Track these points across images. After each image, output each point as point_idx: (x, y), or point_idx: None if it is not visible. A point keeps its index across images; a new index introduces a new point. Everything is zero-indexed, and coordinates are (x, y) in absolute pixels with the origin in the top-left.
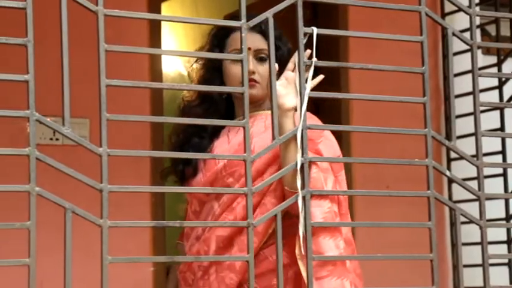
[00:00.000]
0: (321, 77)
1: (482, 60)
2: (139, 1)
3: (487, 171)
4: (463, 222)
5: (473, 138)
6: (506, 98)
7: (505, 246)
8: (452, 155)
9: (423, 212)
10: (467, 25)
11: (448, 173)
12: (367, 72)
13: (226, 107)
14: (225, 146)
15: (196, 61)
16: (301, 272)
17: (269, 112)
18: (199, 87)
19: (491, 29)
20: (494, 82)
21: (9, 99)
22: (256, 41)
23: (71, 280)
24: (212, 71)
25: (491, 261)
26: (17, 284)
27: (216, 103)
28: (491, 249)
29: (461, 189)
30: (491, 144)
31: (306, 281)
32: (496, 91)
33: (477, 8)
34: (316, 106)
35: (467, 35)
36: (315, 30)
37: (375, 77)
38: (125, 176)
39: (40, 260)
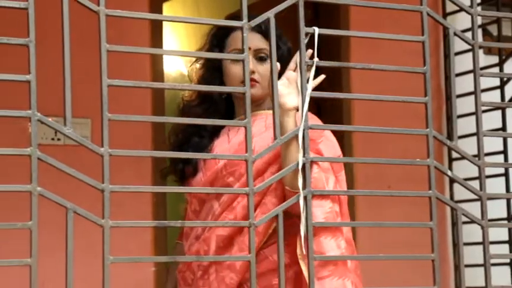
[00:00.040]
0: (322, 76)
1: (484, 60)
2: (141, 1)
3: (488, 171)
4: (464, 222)
5: (474, 138)
6: (507, 97)
7: (506, 246)
8: (454, 154)
9: (425, 212)
10: (469, 25)
11: (449, 173)
12: (369, 72)
13: (226, 107)
14: (225, 145)
15: (195, 61)
16: (303, 272)
17: (269, 112)
18: (200, 87)
19: (493, 29)
20: (496, 82)
21: (10, 99)
22: (256, 41)
23: (72, 280)
24: (212, 71)
25: (492, 261)
26: (18, 284)
27: (216, 103)
28: (493, 249)
29: (462, 189)
30: (492, 144)
31: (307, 281)
32: (498, 91)
33: (479, 8)
34: (317, 106)
35: (468, 34)
36: (317, 30)
37: (376, 77)
38: (127, 176)
39: (41, 260)
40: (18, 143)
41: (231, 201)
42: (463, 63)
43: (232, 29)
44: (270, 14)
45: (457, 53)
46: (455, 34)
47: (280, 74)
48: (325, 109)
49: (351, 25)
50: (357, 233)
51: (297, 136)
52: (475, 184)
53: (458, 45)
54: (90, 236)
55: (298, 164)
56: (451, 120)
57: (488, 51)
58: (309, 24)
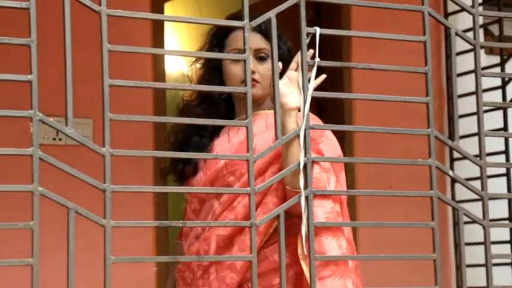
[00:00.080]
0: (323, 76)
1: (485, 60)
2: (143, 1)
3: (490, 171)
4: (466, 222)
5: (476, 138)
6: (509, 97)
7: (508, 246)
8: (456, 154)
9: (426, 212)
10: (471, 25)
11: (451, 172)
12: (370, 72)
13: (226, 106)
14: (226, 144)
15: (195, 61)
16: (304, 272)
17: (269, 111)
18: (202, 87)
19: (495, 29)
20: (498, 82)
21: (11, 99)
22: (256, 40)
23: (74, 280)
24: (212, 71)
25: (494, 261)
26: (19, 284)
27: (216, 103)
28: (494, 249)
29: (464, 189)
30: (494, 144)
31: (308, 281)
32: (499, 91)
33: (480, 8)
34: (319, 106)
35: (470, 34)
36: (318, 30)
37: (377, 77)
38: (128, 176)
39: (43, 260)
40: (19, 143)
41: (231, 201)
42: (464, 63)
43: (231, 29)
44: (272, 14)
45: (458, 53)
46: (456, 34)
47: (281, 74)
48: (326, 109)
49: (352, 25)
50: (358, 233)
51: (298, 136)
52: (477, 184)
53: (459, 45)
54: (92, 236)
55: (299, 163)
56: (453, 120)
57: (490, 51)
58: (310, 24)
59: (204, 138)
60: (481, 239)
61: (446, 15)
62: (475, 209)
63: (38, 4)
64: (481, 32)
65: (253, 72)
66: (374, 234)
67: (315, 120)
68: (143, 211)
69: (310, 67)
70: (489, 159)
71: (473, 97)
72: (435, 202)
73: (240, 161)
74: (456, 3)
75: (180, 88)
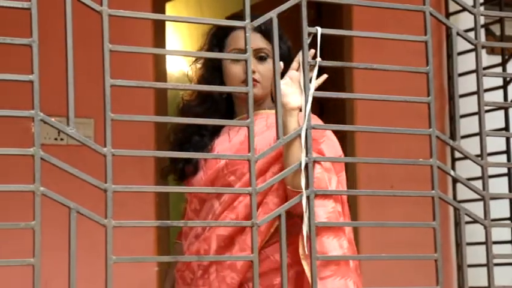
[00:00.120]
0: (324, 76)
1: (487, 59)
2: (144, 1)
3: (491, 170)
4: (467, 222)
5: (477, 137)
6: (510, 97)
7: (509, 246)
8: (457, 154)
9: (427, 212)
10: (472, 25)
11: (452, 172)
12: (372, 72)
13: (226, 106)
14: (226, 144)
15: (195, 61)
16: (306, 271)
17: (270, 111)
18: (203, 87)
19: (496, 29)
20: (499, 82)
21: (13, 99)
22: (256, 40)
23: (75, 280)
24: (212, 71)
25: (495, 261)
26: (20, 284)
27: (216, 102)
28: (496, 249)
29: (465, 189)
30: (495, 143)
31: (309, 281)
32: (501, 91)
33: (482, 8)
34: (320, 106)
35: (471, 34)
36: (319, 30)
37: (379, 77)
38: (130, 176)
39: (44, 259)
40: (21, 143)
41: (232, 201)
42: (465, 63)
43: (231, 29)
44: (273, 14)
45: (459, 53)
46: (458, 34)
47: (282, 74)
48: (327, 109)
49: (353, 25)
50: (359, 233)
51: (299, 136)
52: (478, 184)
53: (461, 45)
54: (93, 235)
55: (300, 163)
56: (454, 120)
57: (491, 51)
58: (311, 24)
59: (205, 137)
60: (483, 239)
61: (448, 15)
62: (477, 208)
63: (40, 4)
64: (482, 31)
65: (253, 72)
66: (375, 234)
67: (316, 121)
68: (144, 211)
69: (312, 67)
70: (490, 159)
71: (475, 97)
72: (436, 202)
73: (240, 160)
74: (457, 3)
75: (181, 88)
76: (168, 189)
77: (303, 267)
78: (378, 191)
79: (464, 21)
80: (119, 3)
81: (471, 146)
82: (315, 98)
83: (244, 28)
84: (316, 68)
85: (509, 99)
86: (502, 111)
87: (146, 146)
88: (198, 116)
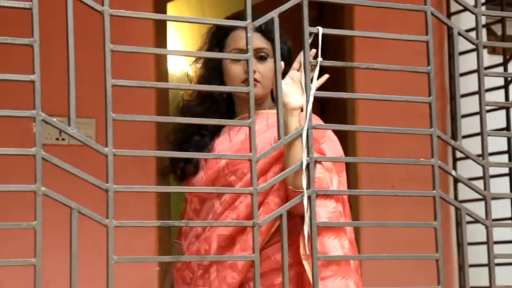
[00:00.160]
0: (326, 76)
1: (488, 59)
2: (145, 1)
3: (492, 170)
4: (468, 222)
5: (479, 137)
6: None
7: (511, 245)
8: (458, 154)
9: (429, 212)
10: (473, 25)
11: (453, 172)
12: (373, 72)
13: (227, 106)
14: (227, 144)
15: (195, 61)
16: (307, 271)
17: (270, 111)
18: (204, 87)
19: (497, 29)
20: (500, 82)
21: (14, 100)
22: (256, 40)
23: (76, 280)
24: (212, 71)
25: (497, 261)
26: (22, 284)
27: (216, 102)
28: (497, 249)
29: (467, 188)
30: (497, 143)
31: (311, 281)
32: (502, 90)
33: (483, 8)
34: (321, 106)
35: (473, 34)
36: (321, 30)
37: (380, 76)
38: (131, 175)
39: (46, 259)
40: (22, 143)
41: (232, 201)
42: (467, 62)
43: (231, 29)
44: (274, 14)
45: (461, 53)
46: (459, 34)
47: (282, 74)
48: (329, 109)
49: (355, 25)
50: (360, 232)
51: (300, 136)
52: (479, 184)
53: (462, 44)
54: (95, 235)
55: (301, 163)
56: (455, 120)
57: (493, 50)
58: (313, 24)
59: (205, 137)
60: (484, 239)
61: (449, 15)
62: (478, 208)
63: (41, 4)
64: (483, 31)
65: (253, 71)
66: (377, 233)
67: (316, 121)
68: (146, 211)
69: (313, 67)
70: (492, 159)
71: (476, 97)
72: (438, 202)
73: (241, 160)
74: (459, 3)
75: (183, 88)
76: (169, 189)
77: (303, 267)
78: (379, 190)
79: (465, 21)
80: (120, 3)
81: (472, 146)
82: (316, 98)
83: (245, 28)
84: (318, 68)
85: (510, 99)
86: (504, 111)
87: (147, 146)
88: (198, 116)
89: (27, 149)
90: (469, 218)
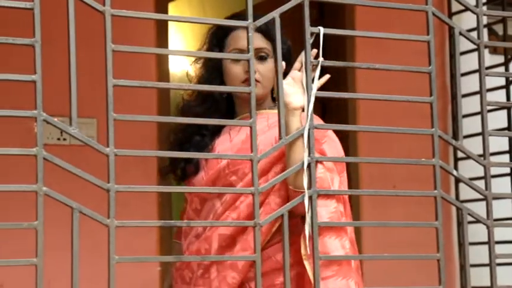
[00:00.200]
0: (327, 76)
1: (489, 59)
2: (147, 1)
3: (494, 170)
4: (470, 222)
5: (480, 137)
6: None
7: None
8: (460, 154)
9: (430, 212)
10: (475, 24)
11: (455, 172)
12: (374, 72)
13: (227, 106)
14: (227, 144)
15: (195, 61)
16: (308, 271)
17: (270, 111)
18: (206, 87)
19: (499, 29)
20: (502, 81)
21: (15, 100)
22: (256, 40)
23: (78, 279)
24: (212, 71)
25: (498, 260)
26: (23, 283)
27: (217, 102)
28: (499, 249)
29: (468, 188)
30: (498, 143)
31: (312, 281)
32: (503, 90)
33: (484, 8)
34: (322, 106)
35: (474, 34)
36: (322, 30)
37: (381, 76)
38: (133, 175)
39: (47, 259)
40: (24, 143)
41: (233, 201)
42: (468, 62)
43: (231, 29)
44: (275, 14)
45: (462, 53)
46: (460, 34)
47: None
48: (330, 109)
49: (356, 25)
50: (361, 232)
51: (302, 136)
52: (481, 184)
53: (463, 44)
54: (96, 235)
55: (303, 163)
56: (457, 120)
57: (494, 50)
58: (314, 24)
59: (205, 137)
60: (485, 239)
61: (450, 14)
62: (479, 208)
63: (42, 4)
64: (485, 31)
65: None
66: (378, 233)
67: (317, 121)
68: (147, 211)
69: (314, 67)
70: (493, 158)
71: (477, 97)
72: (439, 202)
73: (242, 160)
74: (460, 3)
75: (184, 88)
76: (170, 189)
77: (304, 267)
78: (380, 190)
79: (466, 20)
80: (122, 3)
81: (474, 146)
82: (317, 98)
83: (246, 28)
84: (319, 68)
85: (511, 99)
86: (505, 111)
87: (149, 146)
88: (198, 116)
89: (28, 149)
90: (470, 218)
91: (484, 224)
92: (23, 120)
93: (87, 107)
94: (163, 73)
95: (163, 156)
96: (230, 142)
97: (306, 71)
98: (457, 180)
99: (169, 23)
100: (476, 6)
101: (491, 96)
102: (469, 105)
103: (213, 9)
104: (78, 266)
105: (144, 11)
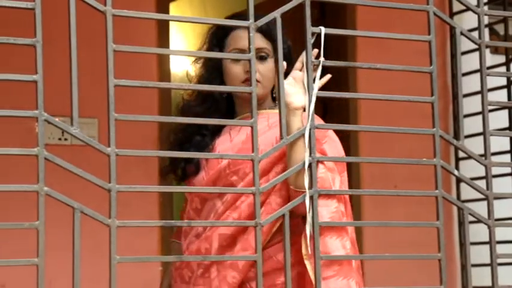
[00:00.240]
0: (328, 76)
1: (491, 59)
2: (148, 1)
3: (495, 170)
4: (471, 222)
5: (481, 137)
6: None
7: None
8: (461, 154)
9: (431, 212)
10: (476, 24)
11: (456, 172)
12: (375, 72)
13: (227, 105)
14: (227, 144)
15: (195, 61)
16: (308, 271)
17: (270, 111)
18: (206, 87)
19: (500, 28)
20: (503, 81)
21: (17, 100)
22: (256, 40)
23: (79, 279)
24: (212, 70)
25: (499, 260)
26: (24, 283)
27: (217, 102)
28: (500, 249)
29: (469, 188)
30: (499, 143)
31: (313, 281)
32: (504, 90)
33: (485, 7)
34: (324, 106)
35: (475, 34)
36: (323, 30)
37: (382, 76)
38: (134, 175)
39: (48, 259)
40: (25, 143)
41: (234, 200)
42: (469, 62)
43: (231, 29)
44: (276, 14)
45: (463, 53)
46: (462, 33)
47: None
48: (331, 109)
49: (357, 25)
50: (363, 232)
51: (303, 135)
52: (482, 183)
53: (465, 44)
54: (97, 235)
55: (304, 163)
56: (458, 120)
57: (495, 50)
58: (315, 23)
59: (206, 137)
60: (486, 239)
61: (452, 14)
62: (480, 208)
63: (44, 4)
64: (486, 31)
65: None
66: (379, 233)
67: (318, 121)
68: (148, 211)
69: (315, 67)
70: (494, 158)
71: (479, 96)
72: (440, 202)
73: (243, 160)
74: (461, 3)
75: (185, 88)
76: (171, 189)
77: (304, 267)
78: (381, 190)
79: (468, 20)
80: (123, 3)
81: (475, 146)
82: (318, 98)
83: (247, 28)
84: (320, 68)
85: None
86: (506, 111)
87: (150, 146)
88: (198, 116)
89: (29, 149)
90: (471, 218)
91: (485, 223)
92: (24, 120)
93: (89, 107)
94: (164, 73)
95: (165, 156)
96: (230, 142)
97: (307, 71)
98: (458, 180)
99: (171, 23)
100: (478, 6)
101: (492, 96)
102: (470, 105)
103: (214, 9)
104: (79, 266)
105: (145, 11)
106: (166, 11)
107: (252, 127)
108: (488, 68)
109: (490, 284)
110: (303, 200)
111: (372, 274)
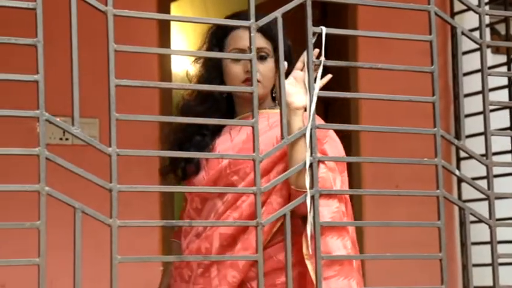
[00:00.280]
0: (329, 76)
1: (492, 59)
2: (149, 1)
3: (496, 170)
4: (472, 222)
5: (482, 137)
6: None
7: None
8: (462, 154)
9: (432, 212)
10: (477, 24)
11: (457, 172)
12: (376, 72)
13: (227, 105)
14: (228, 143)
15: (195, 60)
16: (309, 271)
17: (271, 111)
18: (207, 87)
19: (501, 28)
20: (504, 81)
21: (18, 100)
22: (256, 40)
23: (80, 279)
24: (212, 70)
25: (500, 260)
26: (24, 283)
27: (217, 102)
28: (501, 249)
29: (470, 188)
30: (500, 143)
31: (313, 281)
32: (506, 90)
33: (486, 7)
34: (325, 106)
35: (476, 34)
36: (324, 30)
37: (384, 76)
38: (135, 175)
39: (49, 259)
40: (26, 142)
41: (235, 200)
42: (470, 62)
43: (231, 29)
44: (278, 14)
45: (464, 52)
46: (463, 33)
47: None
48: (332, 108)
49: (358, 24)
50: (364, 232)
51: (304, 135)
52: (483, 183)
53: (466, 44)
54: (98, 235)
55: (305, 163)
56: (459, 120)
57: (496, 50)
58: (316, 23)
59: (206, 137)
60: (488, 239)
61: (453, 14)
62: (482, 208)
63: (45, 4)
64: (487, 31)
65: None
66: (380, 233)
67: (319, 121)
68: (149, 210)
69: (316, 66)
70: (495, 158)
71: (480, 96)
72: (441, 201)
73: (243, 160)
74: (462, 3)
75: (186, 88)
76: (173, 189)
77: (305, 267)
78: (383, 190)
79: (469, 20)
80: (124, 3)
81: (476, 146)
82: (319, 98)
83: (248, 28)
84: (321, 68)
85: None
86: (507, 111)
87: (151, 145)
88: (198, 116)
89: (31, 149)
90: (472, 218)
91: (487, 223)
92: (25, 120)
93: (90, 106)
94: (165, 73)
95: (166, 156)
96: (231, 142)
97: (308, 71)
98: (460, 180)
99: (172, 23)
100: (479, 5)
101: (493, 96)
102: (471, 105)
103: (215, 9)
104: (81, 265)
105: (146, 11)
106: (168, 11)
107: (253, 127)
108: (490, 67)
109: (491, 284)
110: (304, 199)
111: (373, 274)
